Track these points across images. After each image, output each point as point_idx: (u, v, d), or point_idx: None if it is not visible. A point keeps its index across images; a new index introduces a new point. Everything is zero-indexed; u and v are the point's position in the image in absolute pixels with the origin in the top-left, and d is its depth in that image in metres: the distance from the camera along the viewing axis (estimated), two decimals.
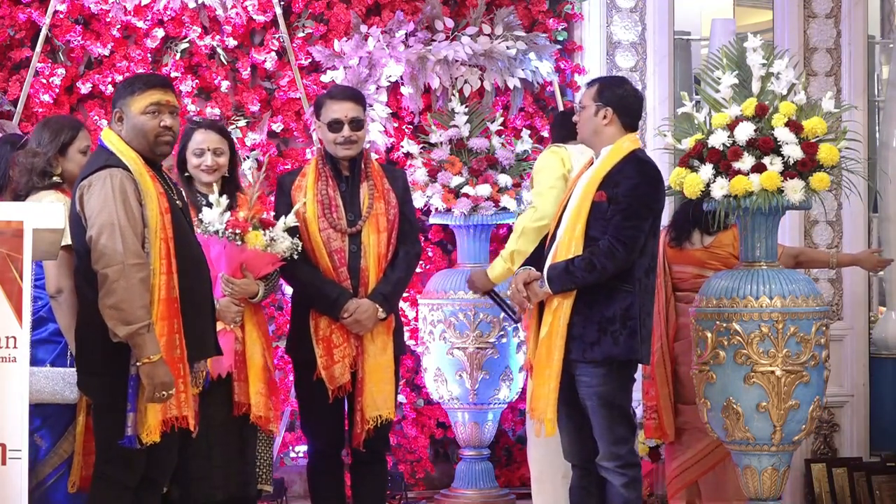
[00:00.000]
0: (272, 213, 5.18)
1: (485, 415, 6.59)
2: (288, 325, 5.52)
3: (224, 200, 4.95)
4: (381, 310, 5.12)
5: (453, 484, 6.72)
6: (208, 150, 5.13)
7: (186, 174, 5.17)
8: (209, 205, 4.99)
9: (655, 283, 4.89)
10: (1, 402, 3.90)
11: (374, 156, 5.69)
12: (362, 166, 5.23)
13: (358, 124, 5.18)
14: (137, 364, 4.18)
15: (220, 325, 4.96)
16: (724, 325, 5.00)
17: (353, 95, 5.27)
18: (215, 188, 5.05)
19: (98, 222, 4.20)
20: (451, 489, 6.70)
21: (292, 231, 5.04)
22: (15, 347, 3.92)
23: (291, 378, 6.06)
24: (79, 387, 4.51)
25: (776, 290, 4.99)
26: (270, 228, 4.99)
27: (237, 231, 4.90)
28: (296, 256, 5.02)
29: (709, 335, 5.04)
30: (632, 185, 4.69)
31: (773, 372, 4.96)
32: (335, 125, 5.16)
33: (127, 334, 4.15)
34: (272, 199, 5.56)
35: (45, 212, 4.07)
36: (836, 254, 6.56)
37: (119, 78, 6.57)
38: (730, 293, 5.03)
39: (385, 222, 5.18)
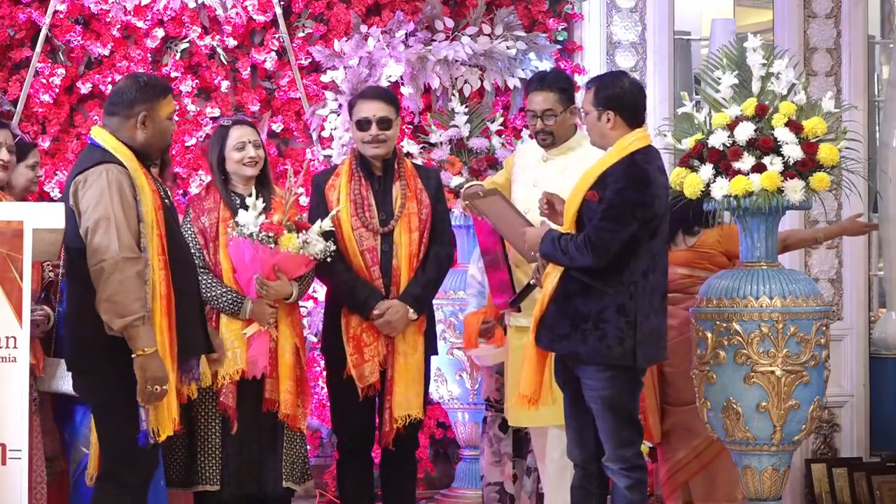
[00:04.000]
0: (305, 215, 5.20)
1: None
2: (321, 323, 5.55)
3: (260, 203, 5.00)
4: (411, 311, 5.16)
5: (453, 484, 6.73)
6: (248, 142, 5.18)
7: (223, 176, 5.22)
8: (244, 206, 5.04)
9: (657, 283, 4.76)
10: (1, 402, 3.90)
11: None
12: (395, 166, 5.27)
13: (386, 123, 5.21)
14: (133, 356, 4.18)
15: (255, 327, 5.02)
16: (724, 325, 5.00)
17: (383, 95, 5.32)
18: (254, 191, 5.09)
19: (94, 216, 4.20)
20: (451, 489, 6.71)
21: (327, 234, 5.07)
22: (15, 347, 3.93)
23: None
24: (74, 388, 4.50)
25: (776, 290, 4.99)
26: (304, 231, 5.02)
27: (270, 234, 4.93)
28: (329, 259, 5.05)
29: (709, 335, 5.04)
30: (617, 189, 4.60)
31: (773, 372, 4.95)
32: (364, 124, 5.21)
33: (121, 327, 4.16)
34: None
35: (45, 212, 4.08)
36: (822, 229, 6.53)
37: (119, 78, 6.56)
38: (730, 293, 5.02)
39: (417, 222, 5.21)
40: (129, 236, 4.21)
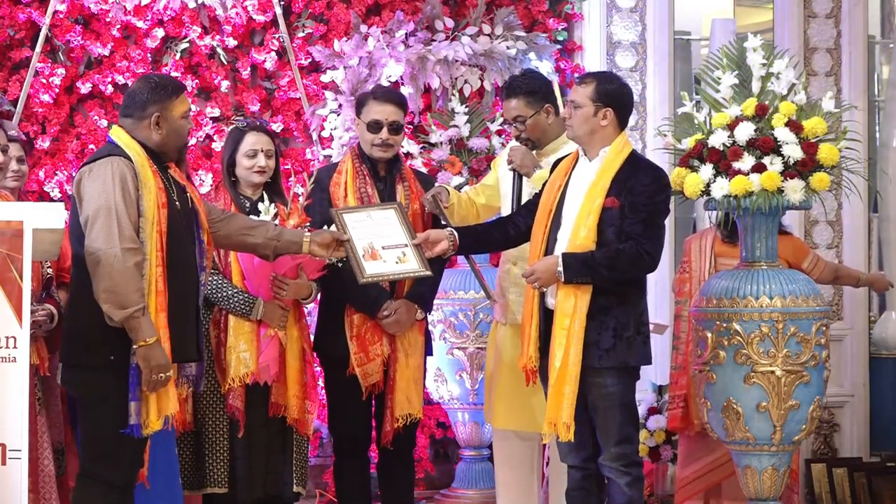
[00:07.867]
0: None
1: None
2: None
3: (273, 208, 4.99)
4: (419, 311, 5.19)
5: (453, 484, 6.72)
6: (261, 151, 5.16)
7: (233, 179, 5.20)
8: (253, 211, 5.05)
9: None
10: (1, 402, 3.90)
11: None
12: (398, 168, 5.28)
13: (397, 128, 5.22)
14: (135, 347, 4.19)
15: (272, 331, 5.03)
16: (725, 325, 5.00)
17: (396, 99, 5.29)
18: (265, 196, 5.08)
19: (95, 205, 4.22)
20: (451, 489, 6.70)
21: None
22: (15, 347, 3.93)
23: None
24: (62, 382, 4.48)
25: (776, 290, 5.00)
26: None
27: None
28: (340, 265, 5.04)
29: (709, 335, 5.04)
30: (650, 193, 4.67)
31: (773, 372, 4.96)
32: (374, 126, 5.19)
33: (122, 318, 4.16)
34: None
35: (45, 212, 4.08)
36: (864, 274, 6.56)
37: (119, 78, 6.58)
38: (730, 293, 5.03)
39: (420, 223, 5.22)
40: (129, 227, 4.23)
